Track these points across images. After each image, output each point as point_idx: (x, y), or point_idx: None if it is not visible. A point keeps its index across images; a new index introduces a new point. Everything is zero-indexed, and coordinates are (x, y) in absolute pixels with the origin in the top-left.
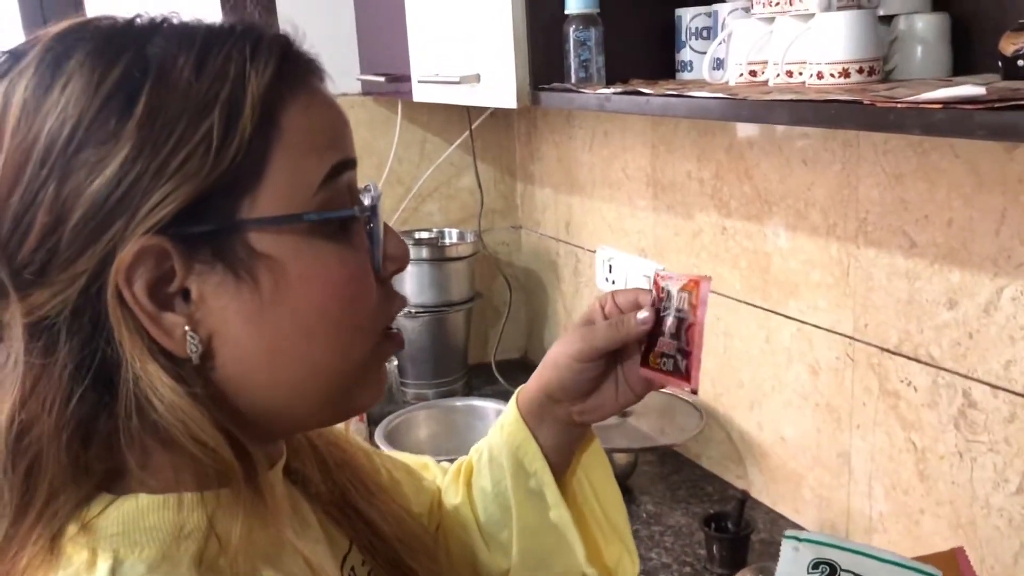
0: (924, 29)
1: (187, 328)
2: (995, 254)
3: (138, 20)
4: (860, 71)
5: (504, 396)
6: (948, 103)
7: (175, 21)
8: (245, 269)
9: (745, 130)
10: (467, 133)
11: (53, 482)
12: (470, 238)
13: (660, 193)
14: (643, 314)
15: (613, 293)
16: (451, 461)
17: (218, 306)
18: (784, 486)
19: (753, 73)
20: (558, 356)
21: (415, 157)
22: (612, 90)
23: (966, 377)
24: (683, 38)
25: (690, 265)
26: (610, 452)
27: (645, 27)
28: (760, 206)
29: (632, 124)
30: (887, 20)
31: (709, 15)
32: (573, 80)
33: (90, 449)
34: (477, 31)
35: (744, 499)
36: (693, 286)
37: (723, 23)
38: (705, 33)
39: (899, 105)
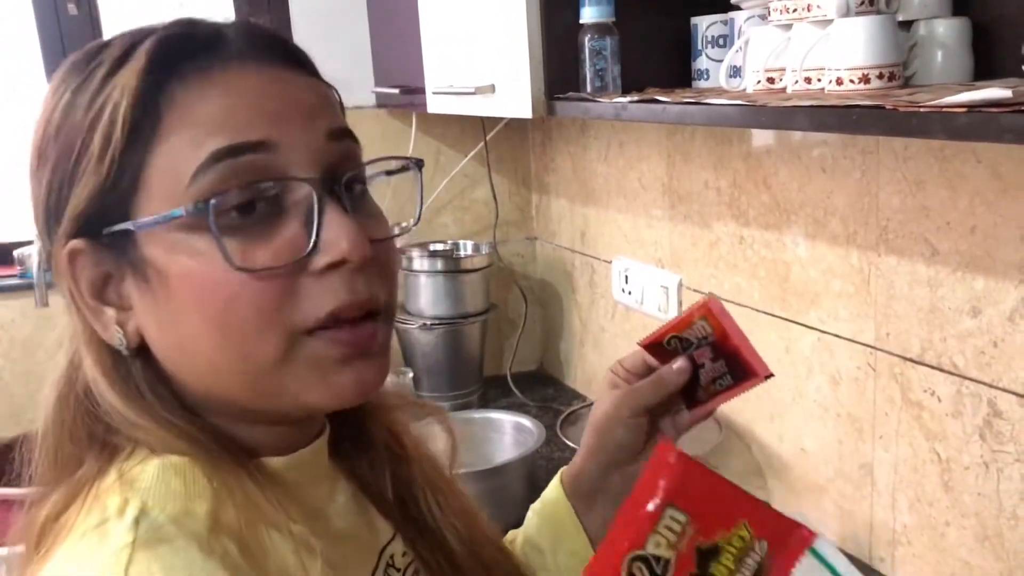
0: (944, 34)
1: (116, 324)
2: (1020, 261)
3: (94, 48)
4: (880, 76)
5: (520, 408)
6: (973, 107)
7: (96, 42)
8: (140, 272)
9: (763, 138)
10: (482, 144)
11: (85, 439)
12: (485, 250)
13: (677, 203)
14: (679, 363)
15: (619, 361)
16: (466, 474)
17: (138, 306)
18: (805, 498)
19: (771, 80)
20: (605, 422)
21: (429, 169)
22: (628, 99)
23: (991, 386)
24: (699, 46)
25: (708, 275)
26: None
27: (661, 36)
28: (779, 215)
29: (648, 134)
30: (906, 25)
31: (725, 23)
32: (589, 89)
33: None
34: (492, 41)
35: None
36: (703, 312)
37: (740, 31)
38: (721, 41)
39: (922, 109)
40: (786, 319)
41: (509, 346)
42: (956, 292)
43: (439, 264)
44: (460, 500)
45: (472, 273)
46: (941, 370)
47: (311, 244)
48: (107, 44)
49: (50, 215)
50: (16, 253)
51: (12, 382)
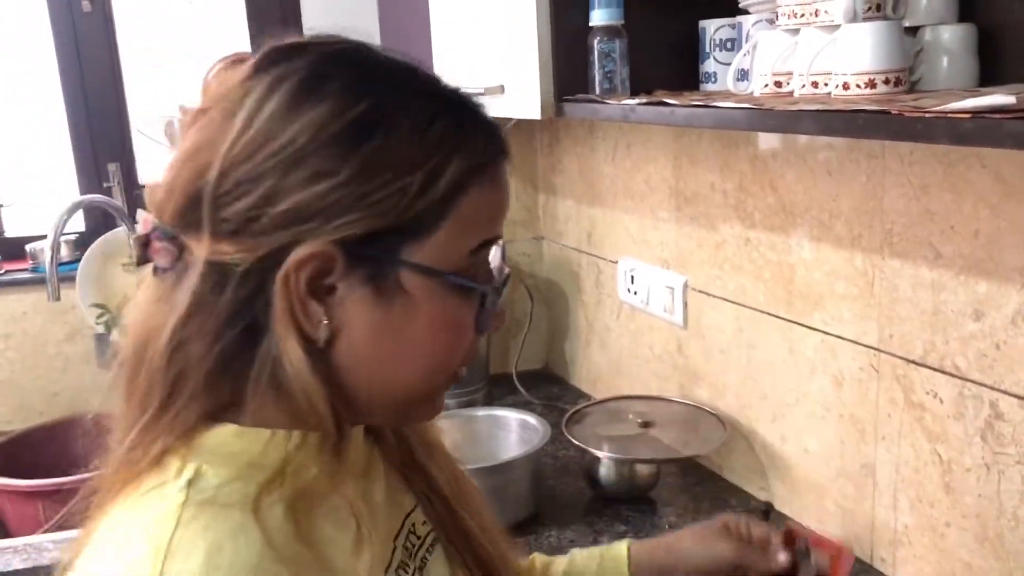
0: (950, 40)
1: (324, 319)
2: (1023, 265)
3: (392, 60)
4: (886, 82)
5: (525, 407)
6: (977, 112)
7: (419, 74)
8: (387, 295)
9: (769, 141)
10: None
11: (191, 392)
12: None
13: (683, 204)
14: (783, 556)
15: (748, 522)
16: (472, 470)
17: (353, 311)
18: (807, 498)
19: (778, 84)
20: (698, 546)
21: None
22: (637, 101)
23: (993, 389)
24: (707, 49)
25: (713, 276)
26: (632, 463)
27: (669, 39)
28: (784, 217)
29: (655, 136)
30: (912, 31)
31: (733, 27)
32: (597, 91)
33: (224, 378)
34: (501, 42)
35: (768, 510)
36: (835, 553)
37: (748, 34)
38: (729, 44)
39: (927, 115)
40: (790, 320)
41: (515, 345)
42: (959, 295)
43: None
44: (468, 482)
45: None
46: (943, 372)
47: (488, 320)
48: (462, 105)
49: (313, 210)
50: (28, 248)
51: (23, 375)
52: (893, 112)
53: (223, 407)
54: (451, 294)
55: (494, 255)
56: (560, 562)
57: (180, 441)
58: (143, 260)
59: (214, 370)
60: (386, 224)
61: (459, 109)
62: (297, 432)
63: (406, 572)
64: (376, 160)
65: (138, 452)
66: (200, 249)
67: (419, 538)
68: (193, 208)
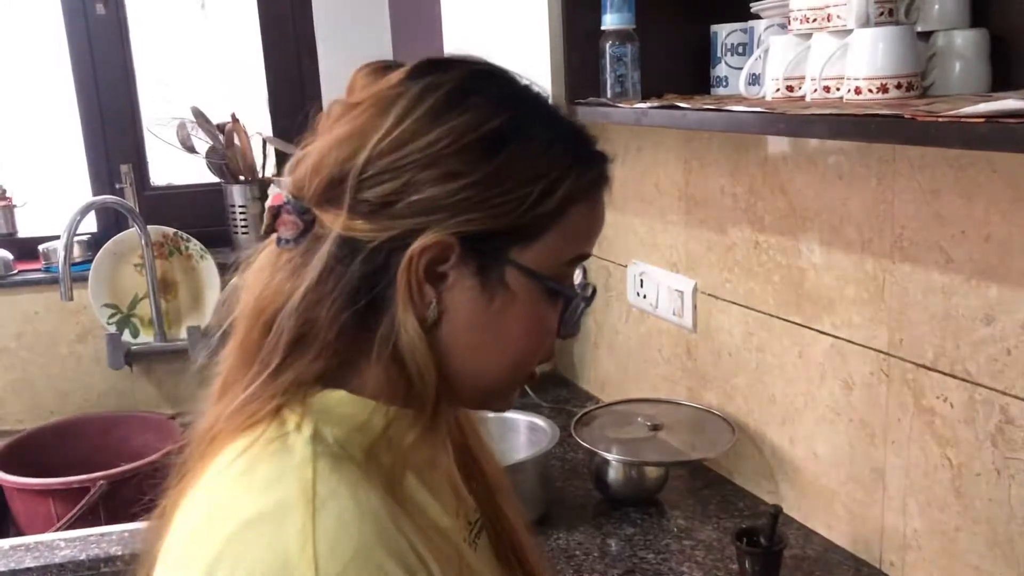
0: (963, 45)
1: (433, 300)
2: None
3: (525, 86)
4: (899, 86)
5: (534, 409)
6: (991, 117)
7: (543, 99)
8: (491, 288)
9: (779, 145)
10: None
11: (312, 355)
12: None
13: (693, 208)
14: None
15: None
16: None
17: (460, 298)
18: (816, 502)
19: (790, 88)
20: None
21: None
22: (648, 104)
23: (1004, 393)
24: (718, 54)
25: (722, 280)
26: (641, 465)
27: (681, 43)
28: (794, 221)
29: (665, 139)
30: (925, 36)
31: (745, 31)
32: (609, 95)
33: (341, 345)
34: (513, 46)
35: (777, 513)
36: None
37: (759, 39)
38: (741, 49)
39: (941, 119)
40: (800, 324)
41: None
42: (970, 300)
43: None
44: (508, 480)
45: None
46: (954, 377)
47: (568, 325)
48: (579, 132)
49: (442, 204)
50: (41, 248)
51: (35, 374)
52: (906, 116)
53: (335, 373)
54: (545, 297)
55: (578, 272)
56: None
57: (296, 399)
58: (270, 230)
59: (336, 336)
60: (502, 225)
61: (577, 135)
62: (395, 407)
63: (473, 549)
64: (504, 169)
65: (256, 404)
66: (336, 223)
67: (471, 524)
68: (336, 186)
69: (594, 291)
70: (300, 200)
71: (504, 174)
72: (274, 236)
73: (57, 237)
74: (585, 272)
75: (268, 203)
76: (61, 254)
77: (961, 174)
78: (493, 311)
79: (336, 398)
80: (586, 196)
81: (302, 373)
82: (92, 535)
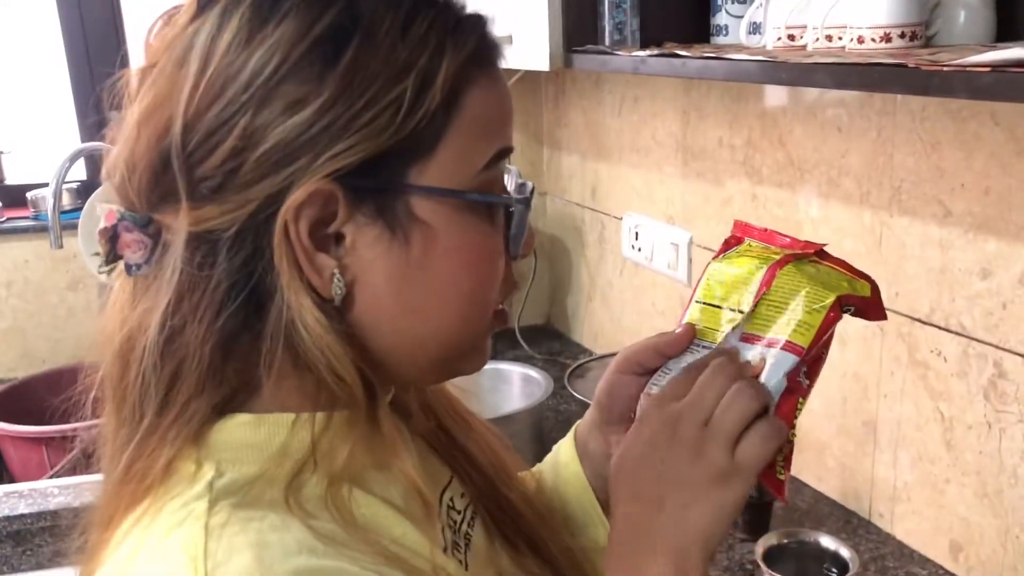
0: None
1: (336, 271)
2: None
3: None
4: (902, 36)
5: (527, 361)
6: (996, 66)
7: None
8: (401, 229)
9: (779, 96)
10: None
11: (193, 387)
12: None
13: (690, 160)
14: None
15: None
16: None
17: (368, 257)
18: (807, 454)
19: (792, 37)
20: (605, 374)
21: None
22: (647, 53)
23: (998, 347)
24: (719, 2)
25: (719, 233)
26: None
27: None
28: (792, 173)
29: (663, 89)
30: None
31: None
32: (607, 43)
33: (228, 363)
34: None
35: None
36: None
37: None
38: None
39: (945, 68)
40: None
41: (517, 300)
42: (967, 254)
43: None
44: (505, 451)
45: None
46: (948, 331)
47: (517, 241)
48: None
49: (298, 145)
50: (29, 195)
51: (26, 323)
52: (910, 65)
53: (233, 396)
54: (472, 215)
55: (508, 177)
56: (545, 477)
57: (190, 443)
58: (112, 258)
59: (217, 355)
60: (384, 146)
61: (441, 5)
62: (322, 414)
63: (458, 552)
64: (357, 72)
65: (141, 466)
66: (180, 221)
67: (459, 512)
68: (163, 176)
69: (532, 190)
70: (133, 212)
71: (359, 79)
72: (122, 264)
73: (45, 184)
74: (520, 176)
75: (99, 226)
76: (50, 202)
77: (962, 126)
78: (415, 258)
79: (241, 425)
80: (476, 75)
81: (188, 412)
82: (85, 482)
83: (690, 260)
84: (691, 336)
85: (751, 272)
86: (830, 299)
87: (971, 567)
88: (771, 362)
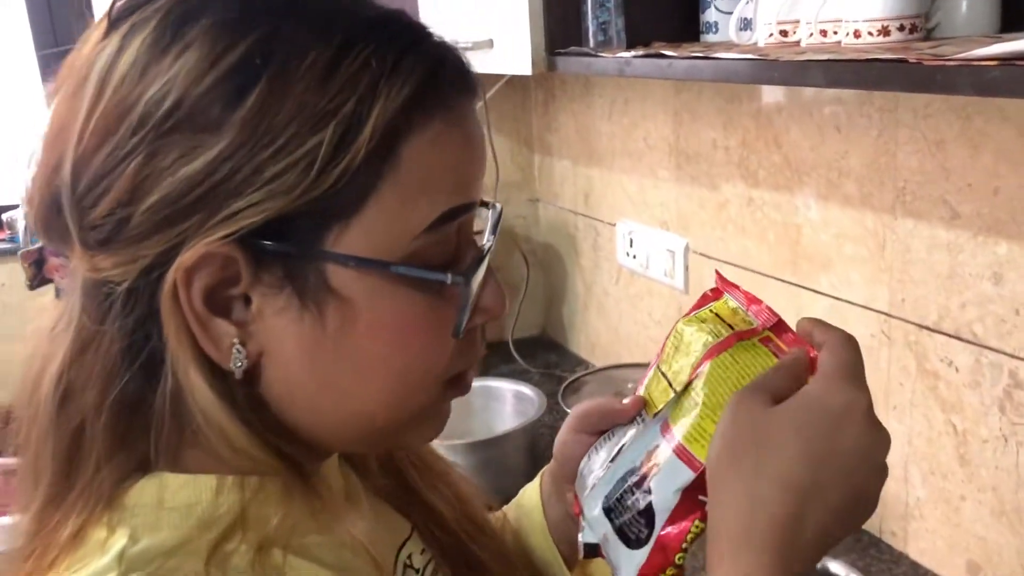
0: None
1: (236, 341)
2: None
3: None
4: (901, 28)
5: (521, 376)
6: (1005, 59)
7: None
8: (313, 300)
9: (774, 95)
10: (480, 103)
11: (98, 452)
12: None
13: (684, 163)
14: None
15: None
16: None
17: (276, 326)
18: None
19: (784, 33)
20: (562, 428)
21: None
22: (632, 54)
23: (1012, 356)
24: None
25: (715, 239)
26: None
27: None
28: (790, 176)
29: (654, 91)
30: None
31: None
32: (591, 44)
33: (134, 427)
34: None
35: None
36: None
37: None
38: None
39: (949, 63)
40: (796, 284)
41: (511, 311)
42: (977, 257)
43: None
44: (474, 502)
45: None
46: (959, 339)
47: (468, 315)
48: (390, 28)
49: (192, 197)
50: (4, 217)
51: (1, 348)
52: (911, 61)
53: (152, 455)
54: (406, 287)
55: (486, 224)
56: (510, 517)
57: (101, 506)
58: (38, 281)
59: (118, 421)
60: (294, 205)
61: (385, 33)
62: (254, 477)
63: None
64: (264, 118)
65: (43, 539)
66: (77, 264)
67: (417, 570)
68: (56, 216)
69: (486, 254)
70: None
71: (267, 126)
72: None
73: (18, 206)
74: (499, 219)
75: (22, 250)
76: (22, 224)
77: (968, 124)
78: (331, 332)
79: (158, 488)
80: (421, 121)
81: (98, 477)
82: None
83: (687, 267)
84: (638, 408)
85: (703, 345)
86: None
87: None
88: (663, 471)
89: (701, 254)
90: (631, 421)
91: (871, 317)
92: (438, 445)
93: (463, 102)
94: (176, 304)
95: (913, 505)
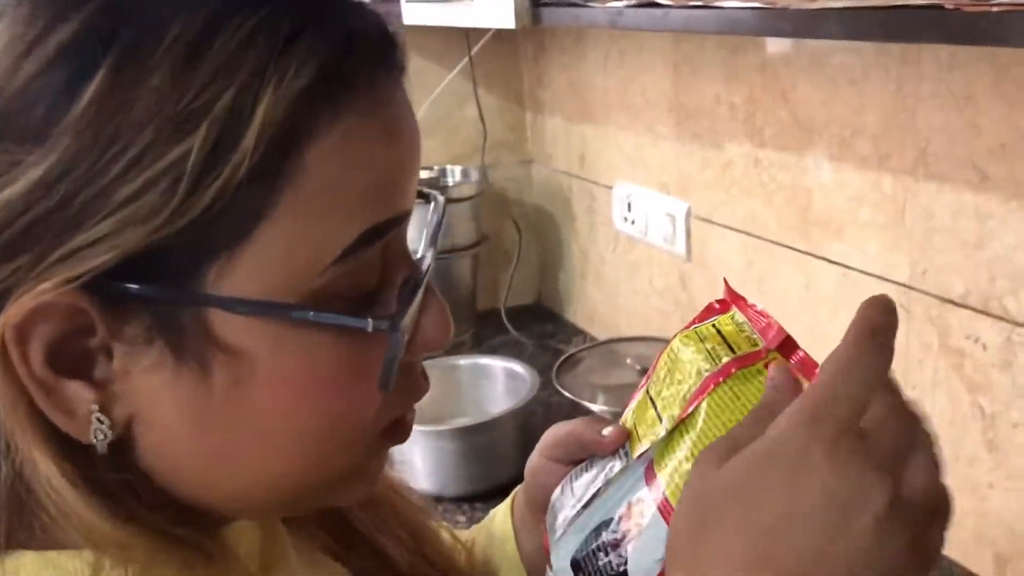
0: None
1: (95, 407)
2: None
3: None
4: None
5: (515, 348)
6: None
7: None
8: (193, 354)
9: (783, 45)
10: (467, 59)
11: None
12: (475, 176)
13: (684, 120)
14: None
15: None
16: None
17: (147, 387)
18: None
19: None
20: (534, 452)
21: (410, 88)
22: (624, 3)
23: None
24: None
25: (719, 202)
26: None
27: None
28: (799, 134)
29: (650, 42)
30: None
31: None
32: None
33: None
34: None
35: None
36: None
37: None
38: None
39: (994, 8)
40: (806, 252)
41: (504, 279)
42: (1009, 224)
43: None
44: (411, 522)
45: (461, 202)
46: (988, 314)
47: (399, 359)
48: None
49: (15, 232)
50: None
51: None
52: (947, 7)
53: (17, 526)
54: (310, 336)
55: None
56: (479, 545)
57: None
58: None
59: None
60: (159, 235)
61: (275, 2)
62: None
63: None
64: (111, 117)
65: None
66: None
67: None
68: None
69: (423, 277)
70: None
71: (111, 133)
72: None
73: None
74: (438, 230)
75: None
76: None
77: (1002, 75)
78: (219, 391)
79: (22, 568)
80: (334, 114)
81: None
82: None
83: (688, 233)
84: (621, 441)
85: (697, 373)
86: None
87: None
88: (645, 533)
89: (703, 219)
90: (613, 453)
91: (888, 289)
92: (419, 431)
93: (387, 82)
94: (8, 368)
95: None
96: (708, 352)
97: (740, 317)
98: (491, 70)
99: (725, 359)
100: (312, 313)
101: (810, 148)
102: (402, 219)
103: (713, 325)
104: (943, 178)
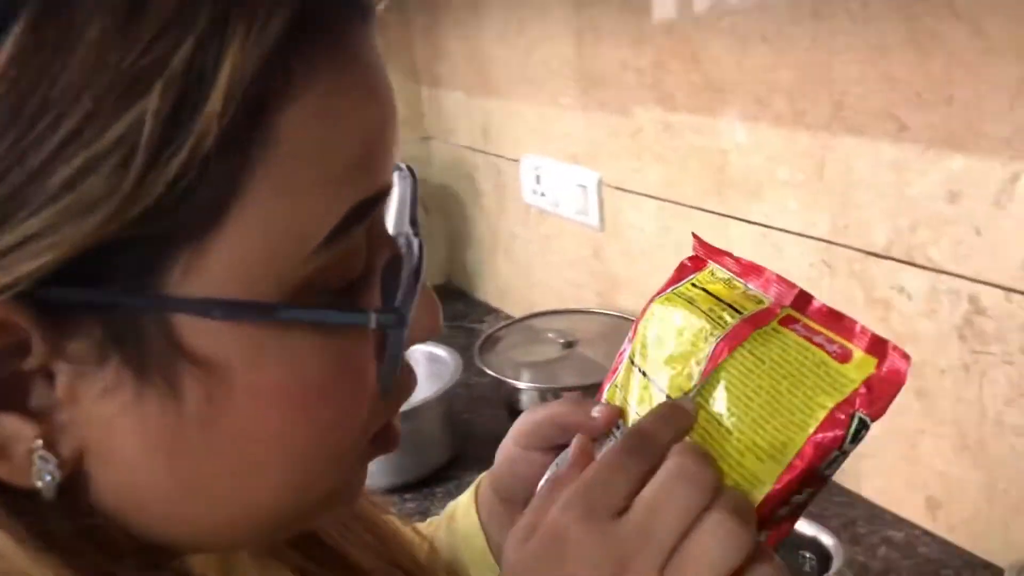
0: None
1: (37, 444)
2: (1009, 135)
3: None
4: None
5: None
6: None
7: None
8: (159, 372)
9: (689, 4)
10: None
11: None
12: None
13: (590, 88)
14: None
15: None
16: None
17: (101, 414)
18: None
19: None
20: (504, 441)
21: None
22: None
23: (973, 280)
24: None
25: (630, 170)
26: (557, 391)
27: None
28: (711, 96)
29: (551, 7)
30: None
31: None
32: None
33: None
34: None
35: None
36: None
37: None
38: None
39: None
40: (724, 215)
41: None
42: (929, 175)
43: None
44: (377, 526)
45: None
46: (912, 264)
47: (397, 363)
48: None
49: None
50: None
51: None
52: None
53: None
54: (297, 337)
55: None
56: (442, 543)
57: None
58: None
59: None
60: (106, 229)
61: None
62: None
63: None
64: (31, 86)
65: None
66: None
67: None
68: None
69: (420, 265)
70: None
71: (43, 98)
72: None
73: None
74: (413, 209)
75: None
76: None
77: (915, 25)
78: (191, 416)
79: None
80: (310, 68)
81: None
82: None
83: (601, 202)
84: (614, 420)
85: (696, 339)
86: (818, 415)
87: (952, 526)
88: None
89: (616, 187)
90: (606, 435)
91: (809, 245)
92: None
93: (363, 28)
94: None
95: (868, 442)
96: (706, 314)
97: (723, 273)
98: (381, 43)
99: (732, 320)
100: (301, 311)
101: (724, 109)
102: (388, 193)
103: (693, 284)
104: (860, 131)
